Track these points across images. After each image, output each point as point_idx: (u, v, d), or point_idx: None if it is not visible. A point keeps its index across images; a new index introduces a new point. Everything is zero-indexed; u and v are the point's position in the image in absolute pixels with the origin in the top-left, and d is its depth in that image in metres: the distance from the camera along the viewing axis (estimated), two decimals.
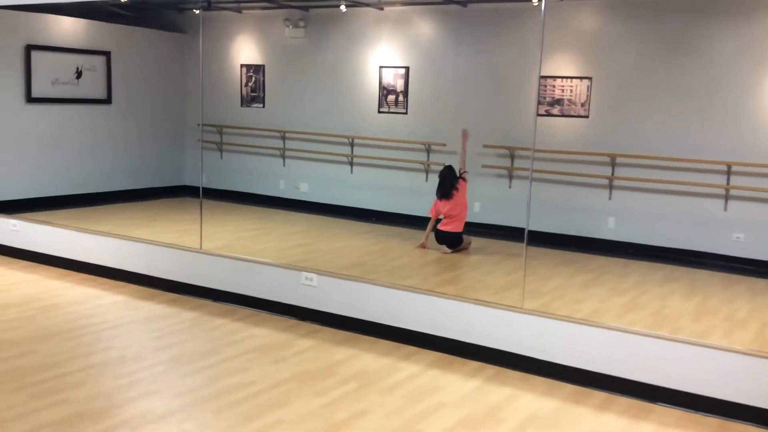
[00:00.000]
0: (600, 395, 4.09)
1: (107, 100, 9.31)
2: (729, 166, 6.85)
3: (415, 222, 8.09)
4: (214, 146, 10.02)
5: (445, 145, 8.24)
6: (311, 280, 5.21)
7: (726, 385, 3.87)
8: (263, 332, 4.93)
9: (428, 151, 8.43)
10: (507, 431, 3.59)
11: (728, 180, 6.89)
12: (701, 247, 7.04)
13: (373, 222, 8.57)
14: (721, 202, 6.97)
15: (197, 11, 6.40)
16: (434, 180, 7.45)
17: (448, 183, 7.01)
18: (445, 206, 6.99)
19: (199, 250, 5.80)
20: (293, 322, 5.19)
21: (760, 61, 6.68)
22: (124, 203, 9.23)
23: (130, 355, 4.40)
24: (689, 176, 7.08)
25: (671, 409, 3.94)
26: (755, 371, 3.82)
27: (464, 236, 7.06)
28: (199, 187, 6.63)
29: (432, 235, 7.11)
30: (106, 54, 9.22)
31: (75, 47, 8.87)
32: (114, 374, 4.08)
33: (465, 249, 7.07)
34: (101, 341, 4.63)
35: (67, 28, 8.82)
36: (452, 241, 6.96)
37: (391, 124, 8.71)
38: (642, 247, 7.30)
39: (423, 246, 7.07)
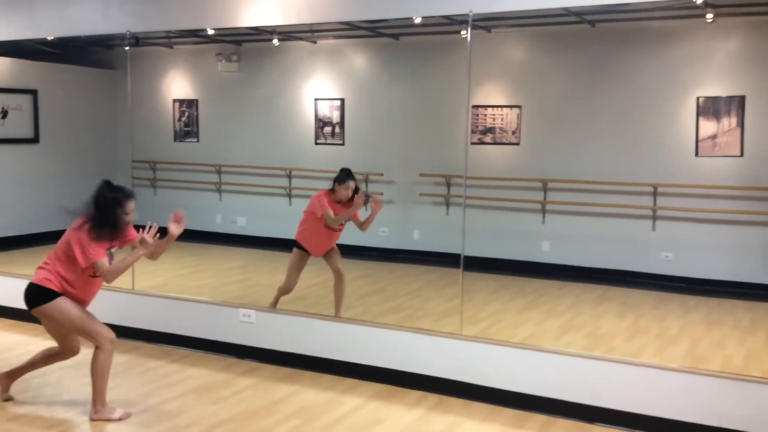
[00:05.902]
0: (540, 418, 4.13)
1: (35, 139, 9.03)
2: (655, 188, 7.10)
3: (355, 251, 8.06)
4: (148, 182, 9.82)
5: (382, 174, 8.29)
6: (249, 316, 5.13)
7: (660, 403, 3.96)
8: (200, 373, 4.81)
9: (366, 180, 8.46)
10: None
11: (654, 201, 7.13)
12: (633, 266, 7.24)
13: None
14: (650, 222, 7.20)
15: (127, 48, 6.30)
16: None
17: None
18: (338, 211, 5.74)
19: (132, 291, 5.64)
20: (232, 360, 5.09)
21: (679, 86, 6.97)
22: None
23: (61, 402, 4.23)
24: (618, 198, 7.30)
25: (609, 429, 4.01)
26: (687, 387, 3.92)
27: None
28: None
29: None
30: (33, 92, 8.98)
31: None
32: (43, 425, 3.91)
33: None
34: (30, 390, 4.43)
35: None
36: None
37: (329, 155, 8.71)
38: (576, 268, 7.46)
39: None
